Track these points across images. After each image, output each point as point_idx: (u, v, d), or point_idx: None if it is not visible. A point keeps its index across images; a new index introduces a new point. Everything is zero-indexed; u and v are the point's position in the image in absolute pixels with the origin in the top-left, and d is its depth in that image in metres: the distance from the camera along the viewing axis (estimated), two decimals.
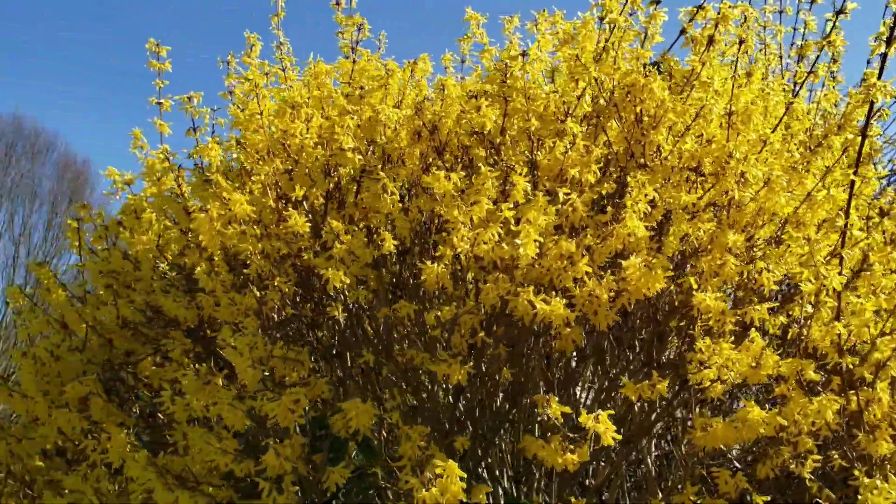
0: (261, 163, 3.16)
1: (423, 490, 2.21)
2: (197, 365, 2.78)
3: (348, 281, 2.47)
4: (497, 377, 2.70)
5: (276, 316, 2.81)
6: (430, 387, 2.74)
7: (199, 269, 2.79)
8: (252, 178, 3.19)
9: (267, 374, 2.55)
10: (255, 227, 2.79)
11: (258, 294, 2.72)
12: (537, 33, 3.60)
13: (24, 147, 23.65)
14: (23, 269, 23.37)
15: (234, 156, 3.49)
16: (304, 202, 3.09)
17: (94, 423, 2.78)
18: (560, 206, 2.50)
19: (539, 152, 2.67)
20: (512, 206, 2.37)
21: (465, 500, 2.30)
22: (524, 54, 2.75)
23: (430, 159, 3.16)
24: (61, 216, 23.94)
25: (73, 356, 3.10)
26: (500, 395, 2.73)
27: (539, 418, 2.52)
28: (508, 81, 2.71)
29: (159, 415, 3.08)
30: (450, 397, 2.76)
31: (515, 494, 3.14)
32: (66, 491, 2.65)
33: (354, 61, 3.60)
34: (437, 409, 2.67)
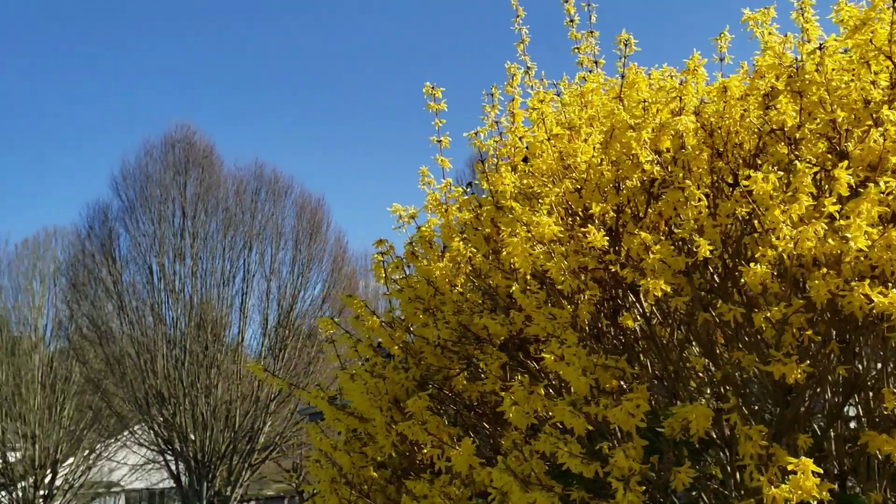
0: (550, 185, 3.36)
1: (773, 487, 2.26)
2: (520, 377, 3.00)
3: (668, 290, 2.58)
4: (819, 374, 2.68)
5: (587, 327, 2.97)
6: (748, 388, 2.77)
7: (514, 287, 3.01)
8: (540, 200, 3.39)
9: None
10: (559, 245, 2.97)
11: (569, 308, 2.90)
12: (804, 22, 3.52)
13: (267, 192, 26.06)
14: (275, 303, 25.69)
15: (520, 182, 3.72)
16: (594, 218, 3.23)
17: (430, 435, 3.08)
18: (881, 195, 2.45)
19: (849, 143, 2.63)
20: (835, 200, 2.37)
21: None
22: (821, 47, 2.73)
23: (712, 162, 3.19)
24: (303, 252, 26.08)
25: (399, 375, 3.45)
26: (828, 391, 2.70)
27: (883, 413, 2.47)
28: (807, 76, 2.70)
29: (485, 424, 3.34)
30: (771, 397, 2.77)
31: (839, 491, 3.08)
32: (421, 496, 2.96)
33: (623, 76, 3.72)
34: (762, 409, 2.70)
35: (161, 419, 23.94)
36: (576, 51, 4.25)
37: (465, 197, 3.66)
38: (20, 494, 28.13)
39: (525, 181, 3.46)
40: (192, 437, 23.62)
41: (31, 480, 28.06)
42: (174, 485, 32.38)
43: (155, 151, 25.09)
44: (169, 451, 24.47)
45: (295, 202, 26.58)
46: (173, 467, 24.70)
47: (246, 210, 25.33)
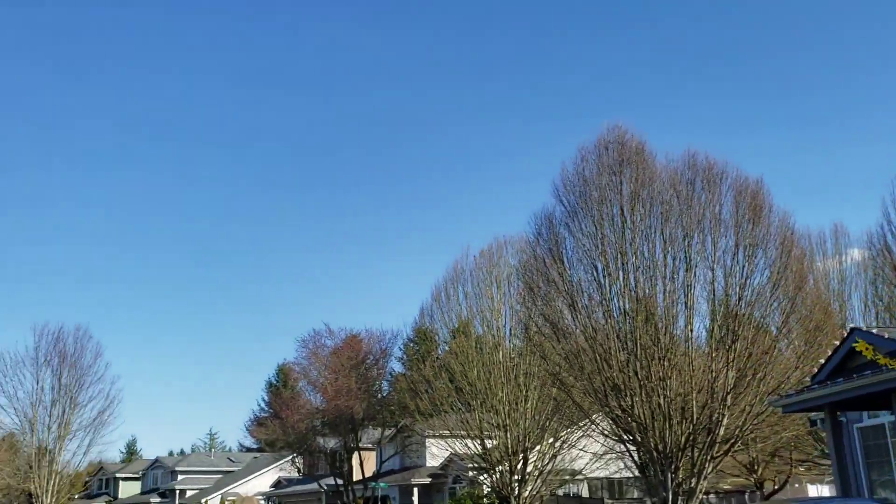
0: None
1: None
2: None
3: None
4: None
5: None
6: None
7: None
8: None
9: None
10: None
11: None
12: None
13: (702, 181, 25.55)
14: (721, 293, 25.02)
15: None
16: None
17: None
18: None
19: None
20: None
21: None
22: None
23: None
24: (745, 238, 25.03)
25: None
26: None
27: None
28: None
29: None
30: None
31: None
32: None
33: None
34: None
35: (619, 410, 24.79)
36: None
37: None
38: (498, 478, 31.44)
39: None
40: (651, 428, 24.04)
41: (506, 465, 31.20)
42: (631, 475, 33.37)
43: (589, 156, 26.22)
44: (629, 441, 25.25)
45: (731, 187, 25.68)
46: (635, 457, 25.42)
47: (682, 201, 25.14)
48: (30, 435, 47.07)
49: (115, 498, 75.59)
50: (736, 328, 24.24)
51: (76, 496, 59.55)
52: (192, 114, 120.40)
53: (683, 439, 23.89)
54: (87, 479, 71.34)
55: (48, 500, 46.12)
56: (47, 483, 45.99)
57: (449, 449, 33.86)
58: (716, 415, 23.82)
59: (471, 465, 33.30)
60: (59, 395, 46.60)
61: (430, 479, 40.12)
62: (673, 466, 23.93)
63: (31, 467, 46.74)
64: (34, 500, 47.01)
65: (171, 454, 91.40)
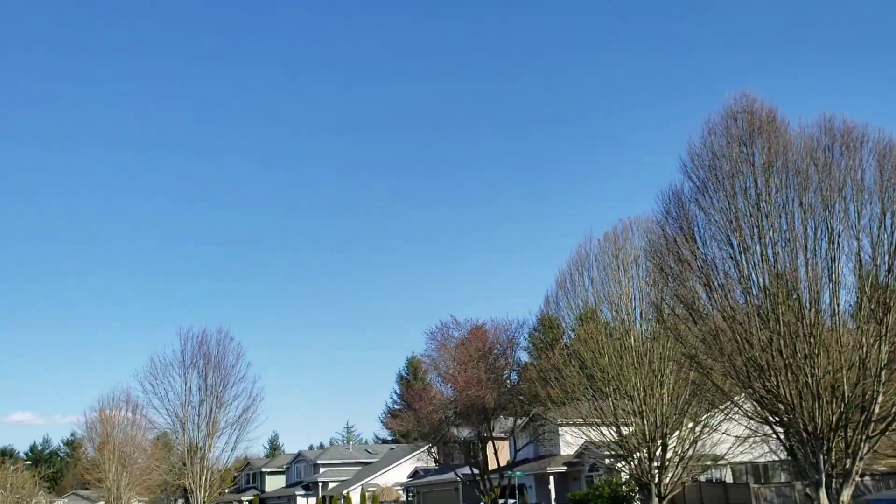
0: None
1: None
2: None
3: None
4: None
5: None
6: None
7: None
8: None
9: None
10: None
11: None
12: None
13: (840, 146, 24.10)
14: (868, 263, 23.54)
15: None
16: None
17: None
18: None
19: None
20: None
21: None
22: None
23: None
24: (893, 203, 23.42)
25: None
26: None
27: None
28: None
29: None
30: None
31: None
32: None
33: None
34: None
35: (763, 391, 23.77)
36: None
37: None
38: (636, 465, 30.79)
39: None
40: (799, 408, 22.92)
41: (644, 452, 30.50)
42: (777, 458, 31.88)
43: (717, 128, 25.21)
44: (776, 423, 24.16)
45: (873, 151, 24.10)
46: (782, 439, 24.31)
47: (821, 169, 23.79)
48: (181, 433, 49.78)
49: (263, 491, 79.13)
50: (887, 300, 22.77)
51: (227, 490, 62.75)
52: (293, 103, 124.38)
53: (835, 419, 22.65)
54: (235, 473, 75.01)
55: (202, 495, 48.72)
56: (199, 478, 48.56)
57: (583, 437, 33.43)
58: (869, 392, 22.48)
59: (607, 453, 32.77)
60: (205, 396, 49.04)
61: (565, 468, 39.81)
62: (825, 448, 22.73)
63: (184, 464, 49.46)
64: (189, 495, 49.81)
65: (311, 448, 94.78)
